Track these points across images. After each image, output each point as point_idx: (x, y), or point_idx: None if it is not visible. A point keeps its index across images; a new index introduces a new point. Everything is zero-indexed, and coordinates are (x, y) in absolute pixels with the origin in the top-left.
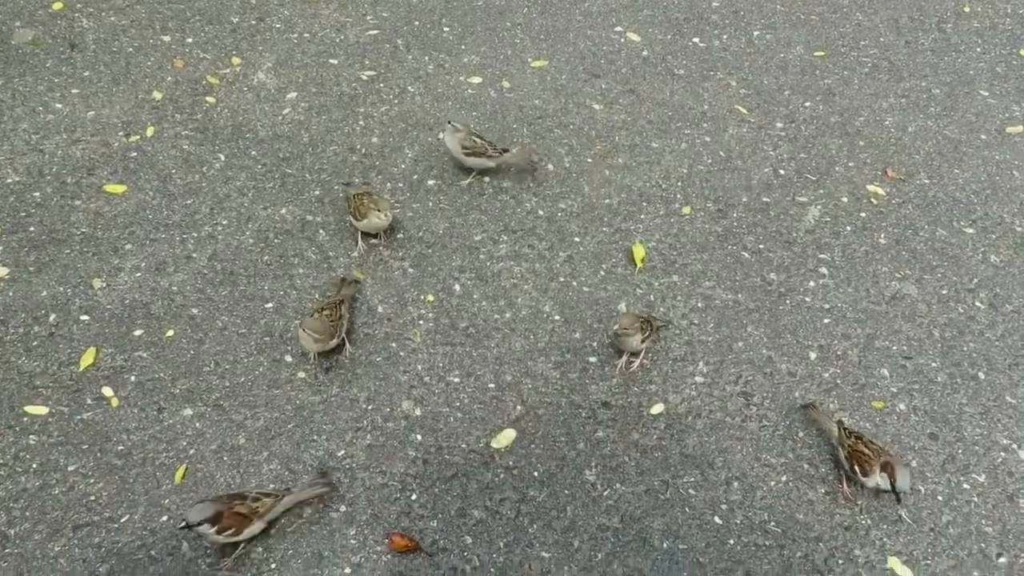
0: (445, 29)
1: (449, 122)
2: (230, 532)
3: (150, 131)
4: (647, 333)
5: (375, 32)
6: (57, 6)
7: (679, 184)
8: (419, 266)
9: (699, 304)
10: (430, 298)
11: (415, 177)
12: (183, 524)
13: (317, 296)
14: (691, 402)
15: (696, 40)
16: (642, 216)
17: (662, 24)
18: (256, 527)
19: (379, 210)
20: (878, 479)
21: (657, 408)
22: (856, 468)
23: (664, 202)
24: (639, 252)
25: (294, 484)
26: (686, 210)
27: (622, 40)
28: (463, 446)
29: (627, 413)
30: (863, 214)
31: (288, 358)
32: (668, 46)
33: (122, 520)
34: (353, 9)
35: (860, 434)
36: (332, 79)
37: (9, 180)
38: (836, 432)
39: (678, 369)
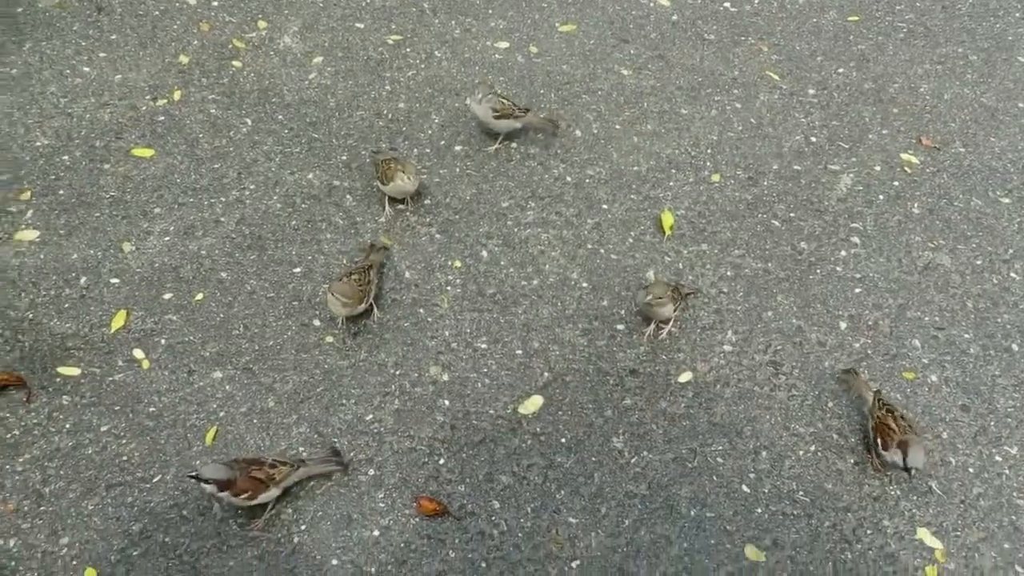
0: None
1: (478, 87)
2: (246, 496)
3: (177, 95)
4: (678, 302)
5: None
6: None
7: (709, 151)
8: (446, 232)
9: (728, 273)
10: (457, 264)
11: (442, 143)
12: (193, 474)
13: (345, 261)
14: (719, 371)
15: (727, 4)
16: (671, 183)
17: None
18: (272, 493)
19: (405, 173)
20: (892, 454)
21: (685, 376)
22: (879, 440)
23: (693, 169)
24: (668, 220)
25: (315, 453)
26: (716, 178)
27: (651, 4)
28: (491, 412)
29: (655, 381)
30: (896, 183)
31: (316, 322)
32: (698, 11)
33: (154, 480)
34: None
35: (893, 407)
36: (358, 43)
37: (38, 143)
38: (871, 401)
39: (706, 338)
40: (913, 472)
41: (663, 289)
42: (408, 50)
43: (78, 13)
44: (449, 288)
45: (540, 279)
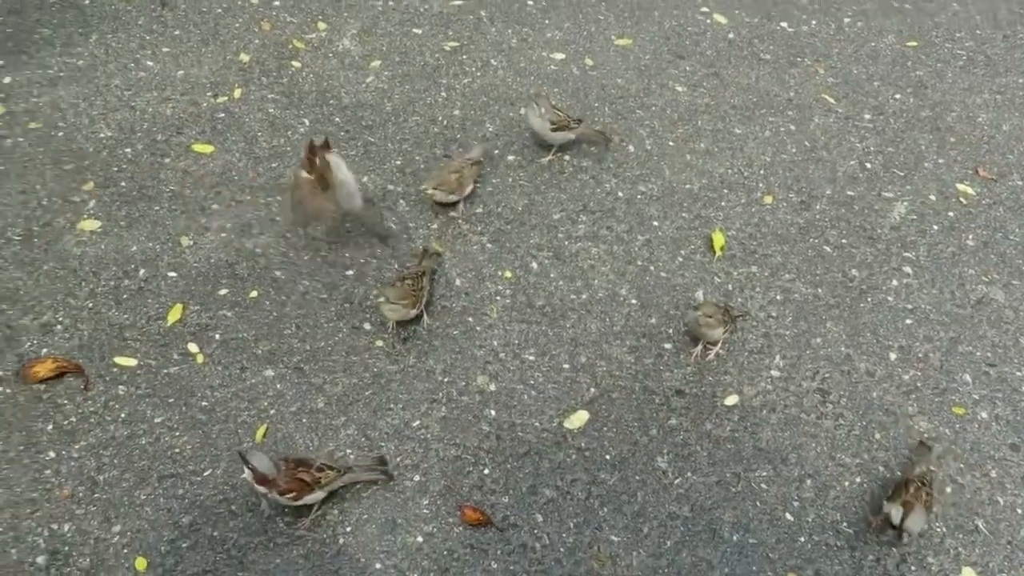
0: (529, 3)
1: (531, 97)
2: (291, 496)
3: (237, 93)
4: (727, 324)
5: (459, 3)
6: None
7: (761, 172)
8: (497, 242)
9: (778, 297)
10: (507, 274)
11: (495, 152)
12: (240, 452)
13: (397, 265)
14: (766, 396)
15: (784, 24)
16: (722, 203)
17: (749, 6)
18: (317, 495)
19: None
20: (893, 510)
21: (731, 399)
22: (894, 511)
23: (746, 190)
24: (719, 240)
25: (361, 460)
26: (768, 199)
27: (708, 21)
28: (536, 424)
29: (701, 402)
30: (951, 213)
31: (367, 326)
32: (755, 29)
33: (205, 474)
34: None
35: (932, 490)
36: (415, 49)
37: (102, 135)
38: (917, 472)
39: (754, 361)
40: (904, 536)
41: (714, 310)
42: (464, 57)
43: (143, 7)
44: (498, 298)
45: (589, 293)
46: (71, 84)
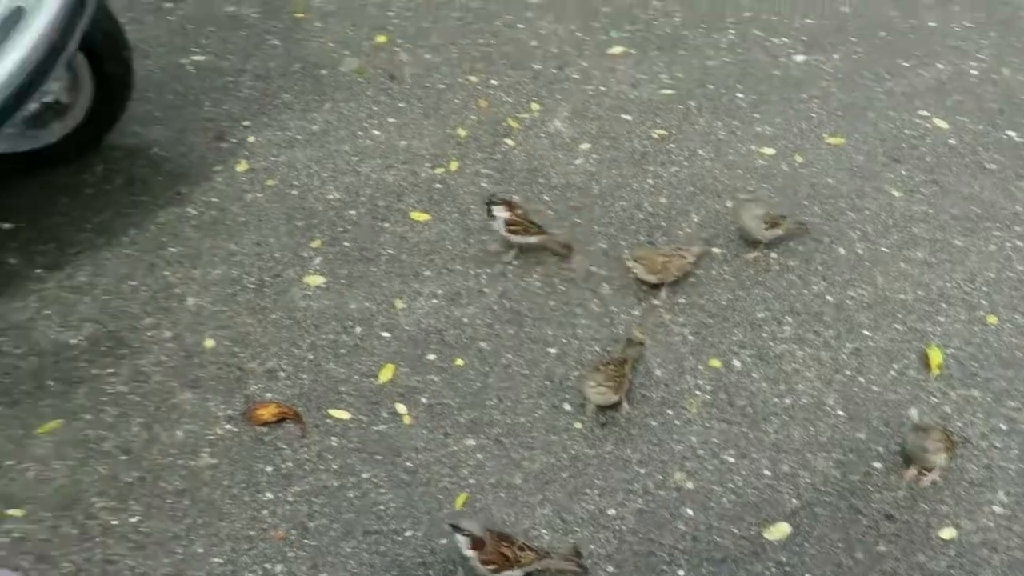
0: (739, 95)
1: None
2: (492, 568)
3: (453, 165)
4: (951, 451)
5: (669, 92)
6: (380, 39)
7: (985, 289)
8: (699, 335)
9: (1001, 426)
10: (708, 370)
11: (699, 241)
12: (452, 524)
13: (598, 348)
14: (987, 533)
15: (1012, 133)
16: (940, 318)
17: (973, 112)
18: (515, 573)
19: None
20: None
21: (948, 532)
22: None
23: (967, 307)
24: (935, 357)
25: (558, 548)
26: (991, 320)
27: (927, 125)
28: (734, 530)
29: (913, 531)
30: None
31: (567, 406)
32: (979, 137)
33: (406, 534)
34: (648, 67)
35: None
36: (624, 134)
37: (330, 196)
38: None
39: (974, 494)
40: None
41: (938, 435)
42: (672, 146)
43: (373, 80)
44: (698, 393)
45: (793, 399)
46: (306, 147)
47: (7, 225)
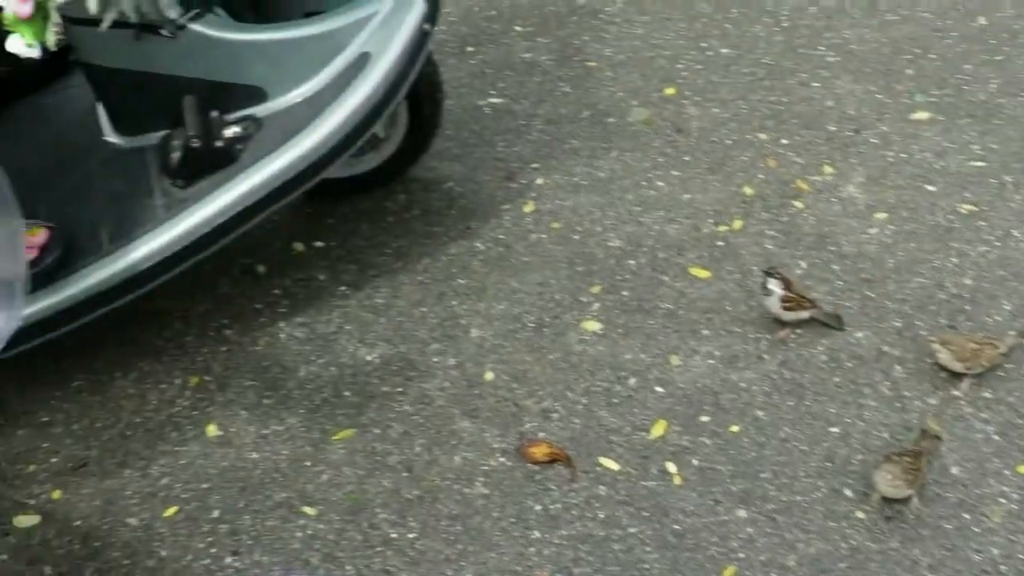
0: None
1: None
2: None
3: (737, 224)
4: None
5: (980, 164)
6: (669, 91)
7: None
8: (1006, 436)
9: None
10: (1017, 476)
11: (1011, 331)
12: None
13: (886, 435)
14: None
15: None
16: None
17: None
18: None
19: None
20: None
21: None
22: None
23: None
24: None
25: None
26: None
27: None
28: None
29: None
30: None
31: (848, 492)
32: None
33: None
34: (958, 135)
35: None
36: (926, 206)
37: (612, 244)
38: None
39: None
40: None
41: None
42: (982, 223)
43: (660, 131)
44: (1003, 500)
45: None
46: (591, 193)
47: (319, 243)
